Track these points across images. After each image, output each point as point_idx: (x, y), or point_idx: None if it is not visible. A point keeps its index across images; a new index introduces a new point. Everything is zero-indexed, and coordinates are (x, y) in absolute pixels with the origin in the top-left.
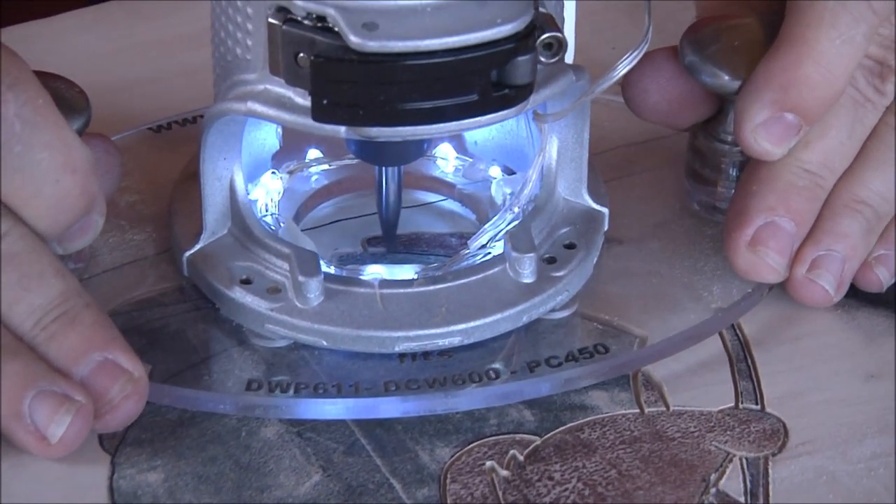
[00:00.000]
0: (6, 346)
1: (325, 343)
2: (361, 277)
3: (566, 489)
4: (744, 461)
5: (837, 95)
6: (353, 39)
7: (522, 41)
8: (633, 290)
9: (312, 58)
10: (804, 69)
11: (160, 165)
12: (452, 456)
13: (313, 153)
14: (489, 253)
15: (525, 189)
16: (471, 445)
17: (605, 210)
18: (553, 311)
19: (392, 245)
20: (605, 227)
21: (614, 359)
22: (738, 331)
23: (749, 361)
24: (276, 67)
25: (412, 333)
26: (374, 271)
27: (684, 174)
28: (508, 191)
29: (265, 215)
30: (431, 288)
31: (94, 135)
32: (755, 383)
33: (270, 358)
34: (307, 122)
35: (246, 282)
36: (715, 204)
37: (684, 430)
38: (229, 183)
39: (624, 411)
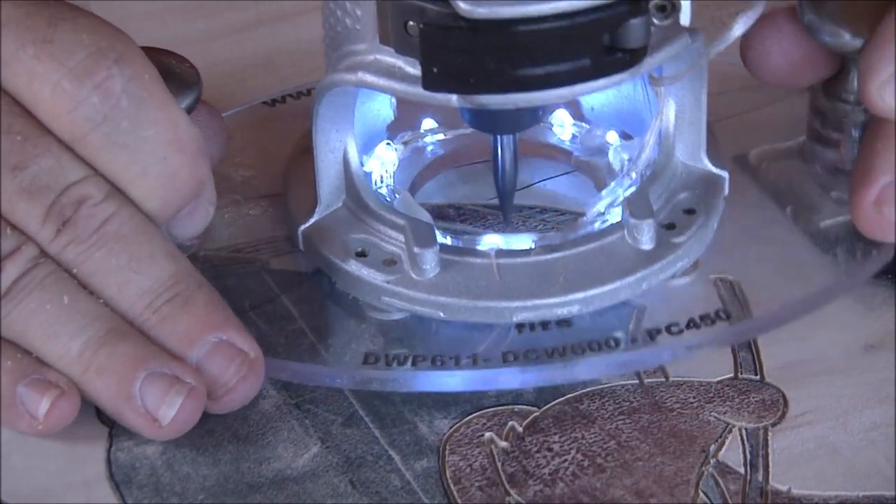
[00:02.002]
0: (115, 329)
1: (441, 315)
2: (477, 248)
3: (565, 460)
4: (743, 432)
5: None
6: (463, 6)
7: (635, 4)
8: (755, 255)
9: (422, 26)
10: None
11: (275, 139)
12: (451, 427)
13: (428, 123)
14: (607, 220)
15: (642, 154)
16: (469, 417)
17: (725, 174)
18: (673, 277)
19: (508, 214)
20: (726, 192)
21: (737, 325)
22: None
23: None
24: (386, 37)
25: (530, 303)
26: (490, 241)
27: (805, 135)
28: (626, 157)
29: (380, 186)
30: (549, 257)
31: None
32: (754, 354)
33: (387, 331)
34: (418, 91)
35: (361, 254)
36: (837, 165)
37: (683, 400)
38: (342, 155)
39: (623, 382)
